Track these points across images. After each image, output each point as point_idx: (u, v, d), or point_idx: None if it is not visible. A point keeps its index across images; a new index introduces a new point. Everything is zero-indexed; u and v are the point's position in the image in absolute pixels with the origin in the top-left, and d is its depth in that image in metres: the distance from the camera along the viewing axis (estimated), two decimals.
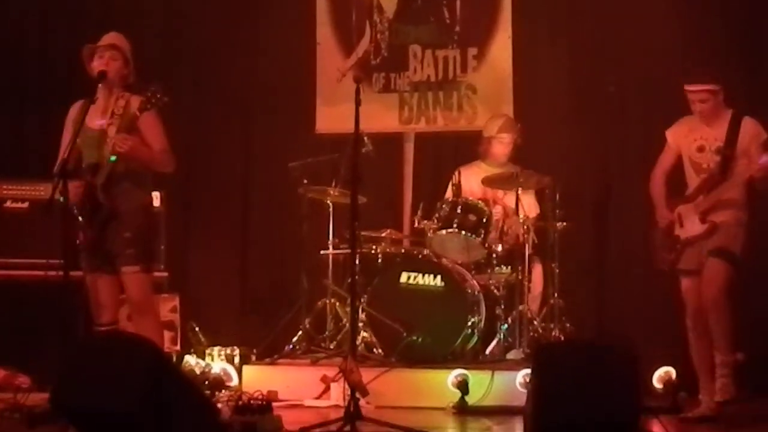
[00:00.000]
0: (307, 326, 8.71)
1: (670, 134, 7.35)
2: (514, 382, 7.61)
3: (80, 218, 6.77)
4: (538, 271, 8.73)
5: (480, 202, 8.53)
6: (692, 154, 7.22)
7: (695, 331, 7.15)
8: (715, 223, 7.06)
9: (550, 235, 8.55)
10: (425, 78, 9.60)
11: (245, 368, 8.32)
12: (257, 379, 8.01)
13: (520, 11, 9.34)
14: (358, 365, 6.81)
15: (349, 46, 9.74)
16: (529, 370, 6.42)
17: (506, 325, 8.40)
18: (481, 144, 8.95)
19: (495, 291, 8.53)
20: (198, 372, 8.38)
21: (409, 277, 8.32)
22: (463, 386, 7.60)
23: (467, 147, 9.19)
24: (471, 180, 8.76)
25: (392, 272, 8.44)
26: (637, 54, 8.88)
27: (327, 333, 8.77)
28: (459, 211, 8.44)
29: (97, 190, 6.77)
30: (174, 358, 8.53)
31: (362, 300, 8.37)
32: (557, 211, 8.47)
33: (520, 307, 8.32)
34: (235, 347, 8.73)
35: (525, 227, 8.42)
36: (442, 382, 7.71)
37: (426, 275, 8.30)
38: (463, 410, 7.51)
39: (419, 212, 8.71)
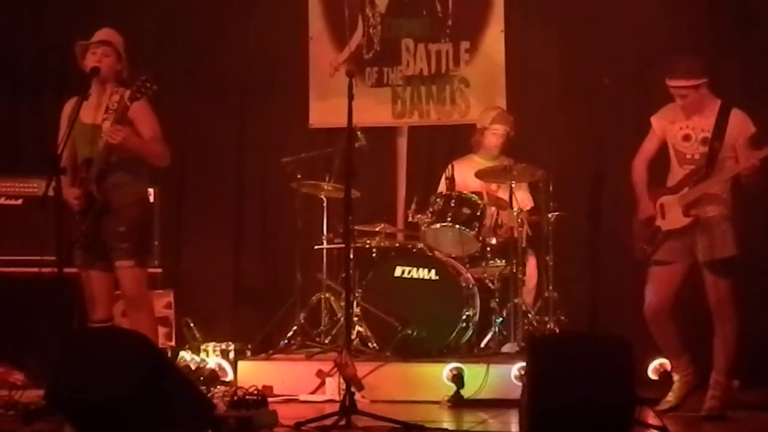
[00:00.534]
0: (302, 321, 8.71)
1: (656, 120, 7.24)
2: (509, 375, 7.61)
3: (76, 215, 6.77)
4: (532, 263, 8.74)
5: (473, 195, 8.53)
6: (677, 142, 7.13)
7: (656, 321, 7.09)
8: (698, 217, 6.98)
9: (544, 228, 8.54)
10: (418, 72, 9.60)
11: (240, 363, 8.32)
12: (252, 374, 8.01)
13: (512, 4, 9.34)
14: (353, 359, 6.82)
15: (341, 40, 9.74)
16: (524, 363, 6.43)
17: (501, 319, 8.40)
18: (474, 135, 8.95)
19: (489, 284, 8.54)
20: (193, 367, 8.39)
21: (403, 271, 8.32)
22: (458, 380, 7.61)
23: (460, 140, 9.19)
24: (464, 173, 8.76)
25: (386, 266, 8.44)
26: (630, 45, 8.90)
27: (322, 327, 8.78)
28: (453, 204, 8.44)
29: (90, 185, 6.77)
30: (169, 354, 8.54)
31: (357, 294, 8.39)
32: (551, 203, 8.46)
33: (515, 300, 8.32)
34: (230, 342, 8.73)
35: (519, 220, 8.42)
36: (438, 376, 7.71)
37: (420, 269, 8.31)
38: (458, 404, 7.52)
39: (413, 206, 8.71)
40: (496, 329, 8.37)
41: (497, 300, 8.44)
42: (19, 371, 8.14)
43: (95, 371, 5.59)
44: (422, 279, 8.29)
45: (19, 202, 8.76)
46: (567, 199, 8.50)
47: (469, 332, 8.29)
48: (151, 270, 8.52)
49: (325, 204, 8.89)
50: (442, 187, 8.75)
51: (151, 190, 8.30)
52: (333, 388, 7.62)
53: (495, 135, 8.85)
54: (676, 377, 7.27)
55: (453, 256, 8.52)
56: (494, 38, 9.41)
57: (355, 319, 8.37)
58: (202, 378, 8.16)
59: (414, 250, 8.62)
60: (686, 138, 7.10)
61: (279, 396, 7.75)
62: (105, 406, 5.54)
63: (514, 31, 9.33)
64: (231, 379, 8.32)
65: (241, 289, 9.81)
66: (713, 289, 6.97)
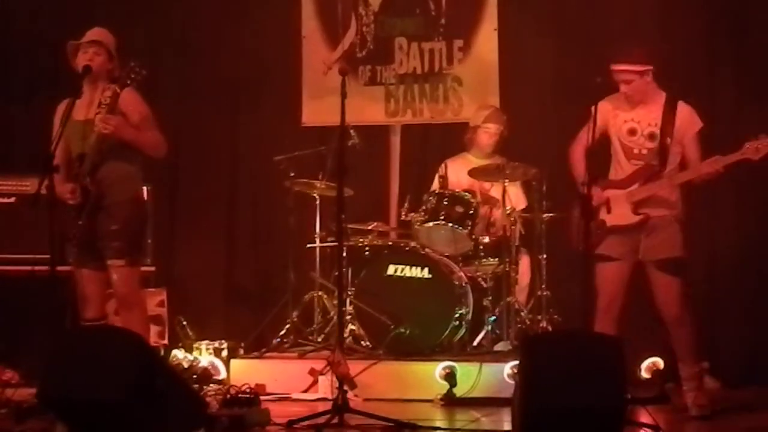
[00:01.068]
0: (295, 319, 8.71)
1: (598, 109, 6.81)
2: (502, 374, 7.62)
3: (71, 211, 6.76)
4: (525, 262, 8.74)
5: (467, 193, 8.53)
6: (622, 136, 6.98)
7: (607, 315, 6.93)
8: (648, 216, 6.85)
9: (537, 227, 8.55)
10: (411, 70, 9.60)
11: (233, 362, 8.33)
12: (245, 372, 8.02)
13: (506, 3, 9.34)
14: (345, 358, 6.84)
15: (334, 38, 9.74)
16: (516, 362, 6.44)
17: (494, 317, 8.41)
18: (467, 133, 8.96)
19: (482, 283, 8.55)
20: (186, 366, 8.40)
21: (396, 270, 8.34)
22: (450, 378, 7.62)
23: (453, 139, 9.19)
24: (458, 172, 8.76)
25: (379, 264, 8.45)
26: (624, 44, 8.89)
27: (314, 326, 8.78)
28: (446, 203, 8.44)
29: (85, 179, 6.77)
30: (162, 352, 8.53)
31: (349, 292, 8.40)
32: (544, 202, 8.47)
33: (508, 299, 8.34)
34: (223, 341, 8.73)
35: (512, 219, 8.43)
36: (430, 374, 7.72)
37: (413, 267, 8.32)
38: (451, 402, 7.53)
39: (406, 204, 8.71)
40: (489, 328, 8.38)
41: (490, 298, 8.45)
42: (12, 369, 8.15)
43: (87, 370, 5.59)
44: (415, 277, 8.30)
45: (12, 200, 8.75)
46: (560, 198, 8.50)
47: (462, 331, 8.30)
48: (144, 268, 8.51)
49: (317, 202, 8.89)
50: (435, 185, 8.76)
51: (143, 188, 8.31)
52: (326, 386, 7.64)
53: (487, 133, 8.85)
54: None
55: (446, 254, 8.52)
56: (487, 37, 9.41)
57: (348, 317, 8.38)
58: (194, 376, 8.18)
59: (407, 249, 8.62)
60: (632, 132, 6.96)
61: (272, 394, 7.76)
62: (97, 404, 5.54)
63: (507, 29, 9.33)
64: (224, 378, 8.33)
65: (234, 288, 9.80)
66: (662, 288, 6.88)
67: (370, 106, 9.55)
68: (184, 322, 9.06)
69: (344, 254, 7.74)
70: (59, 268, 6.53)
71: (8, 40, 9.80)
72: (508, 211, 8.42)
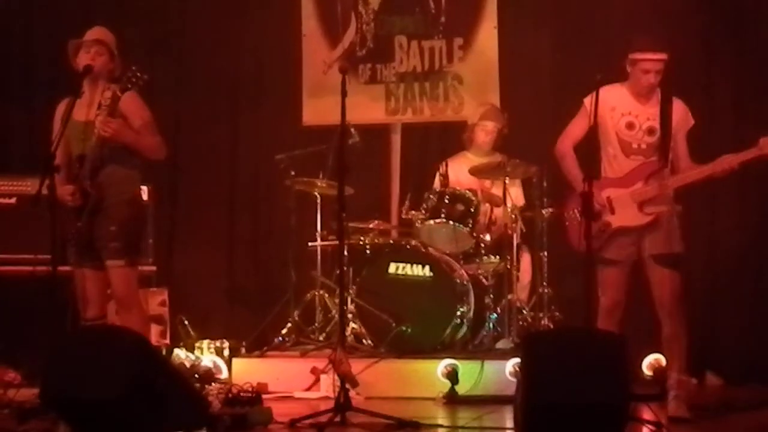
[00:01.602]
0: (296, 318, 8.72)
1: (590, 103, 6.62)
2: (503, 372, 7.62)
3: (70, 212, 6.75)
4: (526, 260, 8.74)
5: (467, 192, 8.53)
6: (620, 130, 6.77)
7: (610, 317, 6.79)
8: (656, 215, 6.69)
9: (538, 225, 8.55)
10: (411, 69, 9.61)
11: (235, 361, 8.33)
12: (247, 371, 8.02)
13: (505, 1, 9.35)
14: (347, 356, 6.83)
15: (334, 37, 9.74)
16: (518, 360, 6.44)
17: (495, 315, 8.41)
18: (465, 131, 8.96)
19: (484, 280, 8.54)
20: (188, 365, 8.40)
21: (397, 268, 8.33)
22: (452, 376, 7.62)
23: (454, 137, 9.20)
24: (458, 170, 8.76)
25: (380, 263, 8.44)
26: (622, 42, 8.87)
27: (316, 325, 8.78)
28: (446, 201, 8.44)
29: (84, 180, 6.76)
30: (164, 352, 8.53)
31: (351, 291, 8.40)
32: (545, 200, 8.47)
33: (509, 297, 8.33)
34: (225, 340, 8.75)
35: (513, 216, 8.42)
36: (432, 373, 7.72)
37: (414, 266, 8.31)
38: (453, 400, 7.53)
39: (407, 203, 8.72)
40: (491, 326, 8.37)
41: (491, 296, 8.45)
42: (14, 370, 8.15)
43: (89, 370, 5.58)
44: (416, 276, 8.30)
45: (13, 201, 8.75)
46: (561, 195, 8.49)
47: (464, 329, 8.30)
48: (145, 268, 8.56)
49: (318, 201, 8.89)
50: (436, 183, 8.76)
51: (144, 188, 8.32)
52: (327, 385, 7.64)
53: (485, 131, 8.84)
54: None
55: (447, 252, 8.52)
56: (487, 35, 9.41)
57: (350, 316, 8.38)
58: (196, 376, 8.17)
59: (408, 247, 8.62)
60: (630, 126, 6.77)
61: (274, 393, 7.77)
62: (99, 404, 5.54)
63: (507, 27, 9.33)
64: (226, 377, 8.33)
65: (235, 287, 9.81)
66: (662, 282, 6.73)
67: (370, 104, 9.56)
68: (186, 322, 9.07)
69: (345, 253, 7.75)
70: (60, 268, 6.52)
71: (7, 40, 9.80)
72: (509, 209, 8.41)
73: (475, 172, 8.61)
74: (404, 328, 8.17)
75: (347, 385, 6.58)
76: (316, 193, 8.87)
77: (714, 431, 6.63)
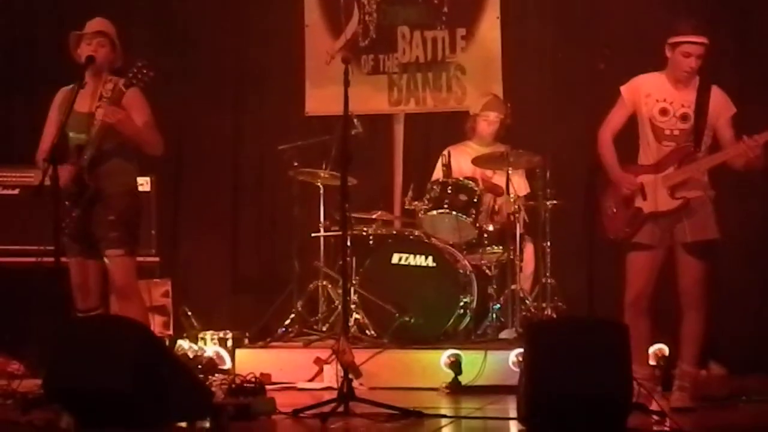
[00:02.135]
0: (300, 309, 8.72)
1: (627, 91, 6.82)
2: (506, 362, 7.61)
3: (66, 201, 6.75)
4: (529, 250, 8.74)
5: (470, 182, 8.53)
6: (654, 117, 6.73)
7: (636, 307, 6.79)
8: (688, 199, 6.65)
9: (541, 215, 8.55)
10: (414, 59, 9.60)
11: (238, 351, 8.33)
12: (250, 362, 8.02)
13: None
14: (350, 347, 6.83)
15: (337, 28, 9.73)
16: (521, 350, 6.44)
17: (498, 305, 8.42)
18: (467, 122, 8.96)
19: (487, 271, 8.55)
20: (191, 356, 8.40)
21: (400, 258, 8.33)
22: (456, 366, 7.62)
23: (457, 127, 9.19)
24: (460, 160, 8.76)
25: (384, 253, 8.45)
26: (626, 31, 8.88)
27: (319, 315, 8.79)
28: (449, 191, 8.45)
29: (83, 171, 6.76)
30: (167, 343, 8.53)
31: (354, 281, 8.39)
32: (548, 190, 8.47)
33: (512, 287, 8.33)
34: (228, 331, 8.74)
35: (516, 206, 8.42)
36: (435, 363, 7.72)
37: (417, 256, 8.31)
38: (456, 390, 7.54)
39: (410, 193, 8.73)
40: (494, 316, 8.38)
41: (494, 286, 8.46)
42: (17, 361, 8.15)
43: (92, 360, 5.59)
44: (419, 266, 8.30)
45: (16, 191, 8.76)
46: (564, 185, 8.50)
47: (467, 319, 8.30)
48: (148, 259, 8.58)
49: (321, 192, 8.90)
50: (438, 173, 8.76)
51: (147, 179, 8.35)
52: (331, 375, 7.64)
53: (486, 121, 8.85)
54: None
55: (450, 242, 8.52)
56: (490, 25, 9.40)
57: (353, 306, 8.37)
58: (200, 366, 8.18)
59: (411, 237, 8.62)
60: (663, 112, 6.74)
61: (277, 384, 7.77)
62: (103, 394, 5.55)
63: (510, 17, 9.33)
64: (229, 368, 8.32)
65: (239, 278, 9.82)
66: (690, 271, 6.69)
67: (373, 95, 9.55)
68: (189, 313, 9.08)
69: (348, 243, 7.74)
70: (63, 259, 6.53)
71: (10, 32, 9.79)
72: (512, 199, 8.41)
73: (478, 162, 8.61)
74: (407, 319, 8.17)
75: (350, 376, 6.58)
76: (319, 184, 8.87)
77: (717, 421, 6.61)
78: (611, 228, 6.85)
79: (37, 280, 7.29)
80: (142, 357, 5.61)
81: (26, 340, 8.11)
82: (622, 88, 6.88)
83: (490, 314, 8.40)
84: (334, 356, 7.26)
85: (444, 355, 7.71)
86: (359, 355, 7.14)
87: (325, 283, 8.79)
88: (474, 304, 8.32)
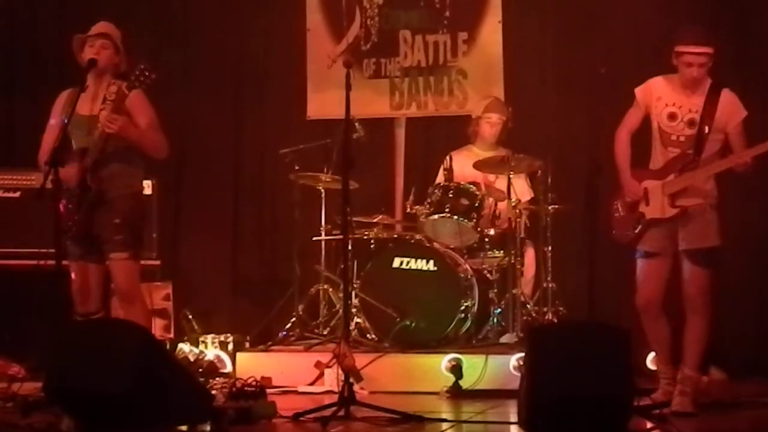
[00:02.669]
0: (301, 312, 8.72)
1: (640, 93, 6.85)
2: (507, 366, 7.62)
3: (69, 204, 6.75)
4: (530, 254, 8.74)
5: (472, 186, 8.52)
6: (662, 120, 6.76)
7: (649, 313, 6.83)
8: (685, 208, 6.66)
9: (542, 219, 8.54)
10: (416, 63, 9.60)
11: (239, 355, 8.33)
12: (251, 365, 8.01)
13: None
14: (351, 351, 6.83)
15: (339, 31, 9.73)
16: (522, 354, 6.43)
17: (499, 309, 8.40)
18: (470, 125, 8.96)
19: (488, 275, 8.54)
20: (192, 359, 8.40)
21: (401, 262, 8.33)
22: (456, 370, 7.62)
23: (458, 131, 9.19)
24: (462, 164, 8.76)
25: (385, 257, 8.45)
26: (627, 35, 8.88)
27: (320, 319, 8.78)
28: (451, 195, 8.44)
29: (85, 174, 6.76)
30: (168, 346, 8.53)
31: (355, 285, 8.39)
32: (549, 194, 8.46)
33: (513, 291, 8.33)
34: (229, 334, 8.73)
35: (517, 211, 8.42)
36: (436, 367, 7.72)
37: (419, 260, 8.31)
38: (457, 394, 7.54)
39: (411, 197, 8.72)
40: (495, 320, 8.37)
41: (495, 291, 8.45)
42: (18, 363, 8.15)
43: (93, 363, 5.60)
44: (420, 270, 8.29)
45: (17, 194, 8.76)
46: (566, 190, 8.49)
47: (468, 323, 8.30)
48: (149, 262, 8.57)
49: (323, 195, 8.89)
50: (440, 177, 8.76)
51: (148, 182, 8.33)
52: (332, 379, 7.63)
53: (489, 123, 8.85)
54: (661, 374, 6.99)
55: (451, 247, 8.52)
56: (492, 29, 9.40)
57: (354, 310, 8.37)
58: (200, 370, 8.19)
59: (412, 241, 8.63)
60: (672, 117, 6.74)
61: (278, 387, 7.77)
62: (103, 397, 5.55)
63: (511, 21, 9.32)
64: (230, 371, 8.33)
65: (240, 281, 9.81)
66: (692, 278, 6.71)
67: (374, 99, 9.56)
68: (190, 316, 9.07)
69: (350, 247, 7.72)
70: (64, 262, 6.53)
71: (13, 34, 9.80)
72: (513, 204, 8.41)
73: (479, 166, 8.61)
74: (408, 323, 8.17)
75: (351, 380, 6.58)
76: (320, 188, 8.87)
77: (717, 426, 6.62)
78: (618, 230, 6.93)
79: (38, 283, 7.33)
80: (142, 360, 5.62)
81: (27, 343, 8.13)
82: (636, 90, 6.91)
83: (491, 318, 8.40)
84: (335, 360, 7.27)
85: (445, 360, 7.71)
86: (360, 359, 7.15)
87: (326, 286, 8.79)
88: (475, 309, 8.31)
